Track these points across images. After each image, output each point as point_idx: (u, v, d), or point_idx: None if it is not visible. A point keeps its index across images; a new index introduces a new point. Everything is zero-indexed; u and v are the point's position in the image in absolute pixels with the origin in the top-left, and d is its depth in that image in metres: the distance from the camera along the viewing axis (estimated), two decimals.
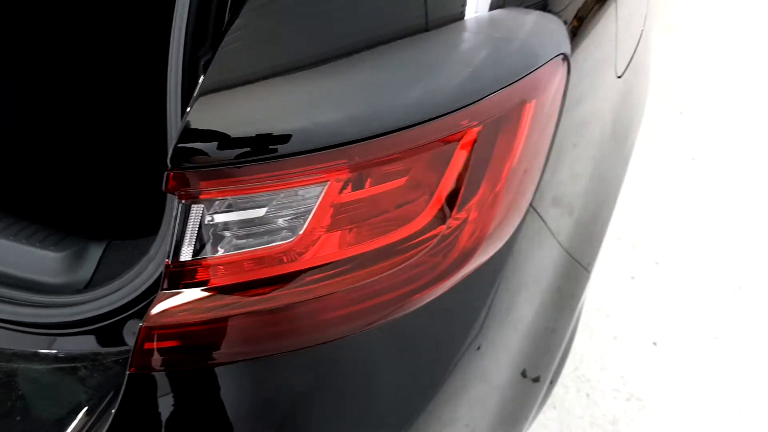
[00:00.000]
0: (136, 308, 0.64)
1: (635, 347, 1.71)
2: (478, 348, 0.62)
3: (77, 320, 0.65)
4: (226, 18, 0.54)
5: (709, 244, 1.99)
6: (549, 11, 0.63)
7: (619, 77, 0.81)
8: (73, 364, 0.66)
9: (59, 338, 0.67)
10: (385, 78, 0.51)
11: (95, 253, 0.72)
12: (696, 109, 2.56)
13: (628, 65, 0.86)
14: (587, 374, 1.65)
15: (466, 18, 0.57)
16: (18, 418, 0.62)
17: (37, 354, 0.67)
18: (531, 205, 0.62)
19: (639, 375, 1.64)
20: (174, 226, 0.49)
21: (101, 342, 0.67)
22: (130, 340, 0.65)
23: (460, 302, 0.60)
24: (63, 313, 0.66)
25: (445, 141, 0.53)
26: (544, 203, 0.65)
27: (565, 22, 0.64)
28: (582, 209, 0.75)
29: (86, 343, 0.67)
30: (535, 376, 0.75)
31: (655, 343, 1.72)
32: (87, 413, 0.60)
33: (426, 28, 0.55)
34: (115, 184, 1.00)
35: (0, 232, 0.73)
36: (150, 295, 0.61)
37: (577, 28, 0.67)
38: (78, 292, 0.69)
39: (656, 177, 2.22)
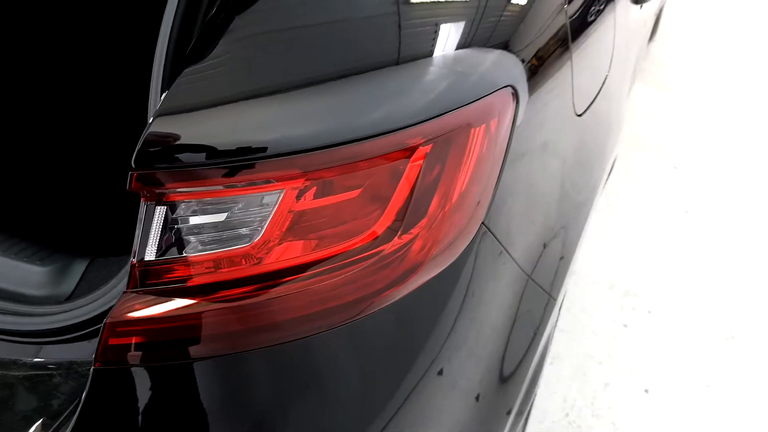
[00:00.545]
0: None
1: (627, 395, 1.70)
2: (432, 362, 0.65)
3: (56, 328, 0.69)
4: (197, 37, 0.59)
5: (702, 293, 1.99)
6: (509, 50, 0.69)
7: (579, 116, 0.87)
8: (48, 372, 0.69)
9: (44, 348, 0.71)
10: (346, 100, 0.56)
11: (78, 268, 0.77)
12: (690, 163, 2.61)
13: (589, 106, 0.91)
14: (578, 420, 1.63)
15: (434, 55, 0.63)
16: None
17: (15, 362, 0.71)
18: (485, 224, 0.66)
19: (631, 423, 1.63)
20: (140, 228, 0.53)
21: (81, 351, 0.70)
22: None
23: (411, 315, 0.63)
24: (43, 322, 0.70)
25: (396, 157, 0.57)
26: (499, 224, 0.69)
27: (523, 61, 0.70)
28: (542, 233, 0.79)
29: (68, 352, 0.70)
30: (494, 401, 0.76)
31: (647, 391, 1.70)
32: (56, 415, 0.63)
33: (397, 63, 0.61)
34: (101, 203, 1.05)
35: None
36: None
37: (537, 66, 0.73)
38: (59, 303, 0.72)
39: (650, 228, 2.24)
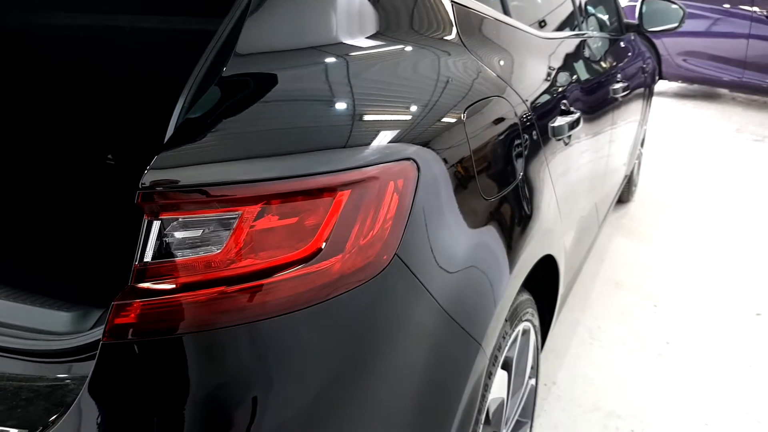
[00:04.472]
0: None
1: None
2: (337, 380, 0.84)
3: (75, 347, 0.90)
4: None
5: (682, 414, 2.06)
6: (420, 147, 0.98)
7: (486, 200, 1.13)
8: (66, 381, 0.89)
9: (73, 366, 0.90)
10: (291, 158, 0.84)
11: (96, 313, 1.00)
12: (669, 302, 2.78)
13: (500, 196, 1.18)
14: None
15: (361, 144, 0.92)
16: (18, 410, 0.85)
17: (41, 377, 0.91)
18: (399, 256, 0.90)
19: None
20: (141, 238, 0.78)
21: (87, 368, 0.90)
22: None
23: (333, 318, 0.84)
24: (65, 342, 0.91)
25: (324, 195, 0.83)
26: (414, 260, 0.92)
27: (433, 149, 0.99)
28: (460, 285, 1.01)
29: (87, 369, 0.90)
30: None
31: None
32: (69, 405, 0.82)
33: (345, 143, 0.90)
34: (115, 260, 1.32)
35: (24, 298, 1.02)
36: None
37: (444, 157, 1.01)
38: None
39: (632, 357, 2.36)
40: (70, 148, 2.06)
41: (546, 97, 1.62)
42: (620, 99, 2.63)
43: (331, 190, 0.84)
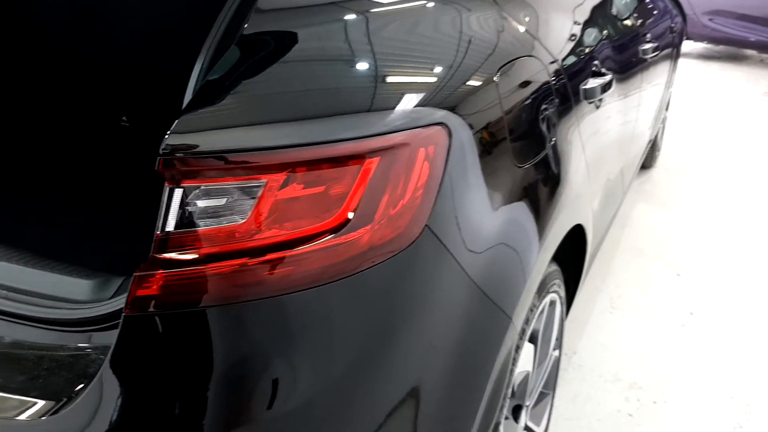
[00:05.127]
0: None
1: None
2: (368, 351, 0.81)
3: (97, 316, 0.88)
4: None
5: (707, 387, 2.03)
6: (451, 112, 0.92)
7: (519, 167, 1.08)
8: (88, 351, 0.87)
9: (93, 335, 0.88)
10: (318, 123, 0.79)
11: (117, 281, 0.97)
12: (692, 271, 2.73)
13: (533, 163, 1.13)
14: None
15: (392, 107, 0.86)
16: (40, 381, 0.83)
17: (62, 346, 0.89)
18: (429, 227, 0.85)
19: None
20: (162, 207, 0.74)
21: (109, 337, 0.88)
22: None
23: (364, 290, 0.80)
24: (87, 311, 0.89)
25: (351, 163, 0.79)
26: (445, 232, 0.88)
27: (468, 123, 0.93)
28: (491, 258, 0.97)
29: (108, 338, 0.87)
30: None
31: None
32: (92, 376, 0.80)
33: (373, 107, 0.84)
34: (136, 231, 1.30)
35: (45, 266, 1.00)
36: None
37: (473, 119, 0.96)
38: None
39: (654, 327, 2.32)
40: (86, 110, 2.02)
41: (577, 56, 1.54)
42: (649, 60, 2.53)
43: (359, 158, 0.80)
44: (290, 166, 0.76)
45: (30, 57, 1.93)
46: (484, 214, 0.97)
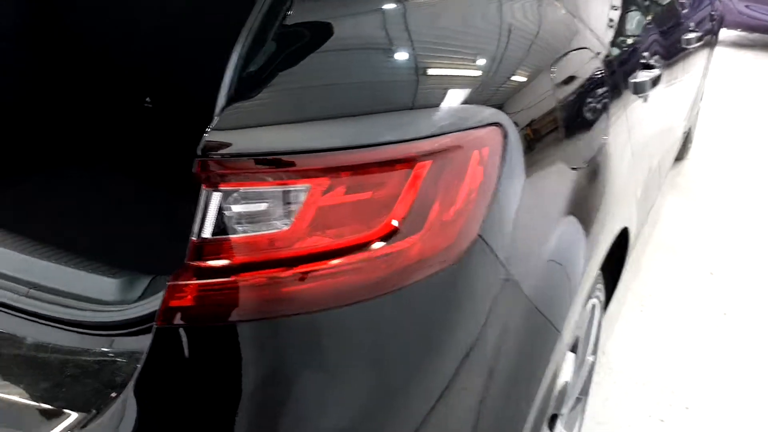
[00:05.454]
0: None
1: None
2: (422, 361, 0.75)
3: (124, 320, 0.83)
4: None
5: (741, 392, 1.95)
6: (503, 110, 0.85)
7: (572, 169, 1.01)
8: (113, 358, 0.82)
9: (115, 340, 0.83)
10: (363, 121, 0.73)
11: (144, 281, 0.92)
12: (726, 270, 2.63)
13: (586, 164, 1.05)
14: None
15: (440, 104, 0.79)
16: (64, 389, 0.78)
17: (87, 350, 0.84)
18: (482, 237, 0.79)
19: None
20: (199, 211, 0.68)
21: (138, 342, 0.83)
22: None
23: (411, 306, 0.74)
24: (113, 315, 0.84)
25: (401, 167, 0.72)
26: (497, 241, 0.81)
27: (514, 121, 0.86)
28: (542, 269, 0.90)
29: (134, 345, 0.83)
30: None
31: None
32: (120, 386, 0.75)
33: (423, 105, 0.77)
34: (162, 229, 1.24)
35: (69, 263, 0.95)
36: None
37: (526, 121, 0.88)
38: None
39: (686, 329, 2.25)
40: (109, 90, 1.97)
41: (625, 47, 1.45)
42: (690, 48, 2.42)
43: (409, 161, 0.73)
44: (337, 170, 0.70)
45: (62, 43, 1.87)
46: (536, 222, 0.91)
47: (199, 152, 0.66)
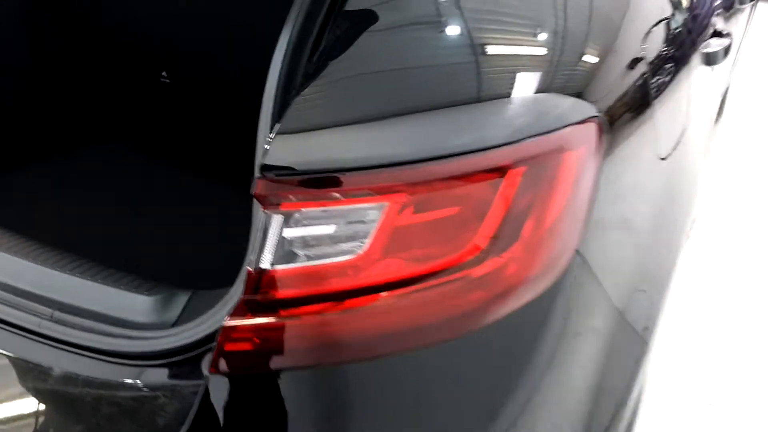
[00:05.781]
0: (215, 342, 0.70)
1: None
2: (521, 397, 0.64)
3: (160, 351, 0.72)
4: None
5: None
6: (584, 99, 0.72)
7: (663, 159, 0.88)
8: (153, 393, 0.72)
9: (146, 371, 0.74)
10: (441, 123, 0.61)
11: (182, 299, 0.81)
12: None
13: (671, 152, 0.93)
14: None
15: (522, 95, 0.67)
16: None
17: (123, 384, 0.74)
18: (579, 252, 0.67)
19: None
20: (257, 237, 0.57)
21: (181, 375, 0.73)
22: None
23: (504, 340, 0.63)
24: (149, 344, 0.73)
25: (490, 177, 0.60)
26: (594, 254, 0.70)
27: (599, 110, 0.73)
28: (634, 269, 0.78)
29: (168, 376, 0.73)
30: None
31: None
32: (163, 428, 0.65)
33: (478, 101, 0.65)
34: (198, 241, 1.13)
35: (101, 279, 0.84)
36: None
37: (617, 110, 0.76)
38: (165, 329, 0.76)
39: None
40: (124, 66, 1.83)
41: (698, 11, 1.30)
42: (738, 6, 2.24)
43: (501, 170, 0.61)
44: (416, 185, 0.58)
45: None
46: (630, 228, 0.79)
47: (257, 171, 0.54)
